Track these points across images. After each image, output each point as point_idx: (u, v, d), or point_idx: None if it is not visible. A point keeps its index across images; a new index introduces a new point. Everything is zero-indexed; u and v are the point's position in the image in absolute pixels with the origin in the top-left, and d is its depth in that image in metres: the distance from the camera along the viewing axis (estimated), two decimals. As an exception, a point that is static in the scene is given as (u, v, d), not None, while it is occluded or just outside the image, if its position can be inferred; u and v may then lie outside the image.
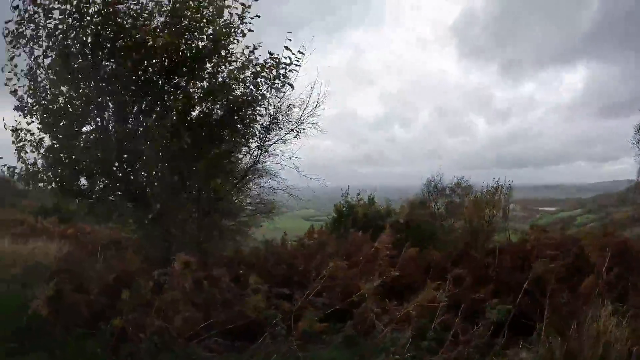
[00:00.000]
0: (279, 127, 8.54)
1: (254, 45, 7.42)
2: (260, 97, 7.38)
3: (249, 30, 7.20)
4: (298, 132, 8.70)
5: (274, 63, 7.23)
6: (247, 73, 7.23)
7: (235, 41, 7.21)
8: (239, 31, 7.18)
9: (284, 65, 7.29)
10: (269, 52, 7.26)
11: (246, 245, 11.57)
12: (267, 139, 8.70)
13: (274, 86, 7.41)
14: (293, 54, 7.27)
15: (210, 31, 6.90)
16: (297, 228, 14.55)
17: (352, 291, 6.10)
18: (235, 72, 7.19)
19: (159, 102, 6.86)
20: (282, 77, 7.34)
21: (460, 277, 6.34)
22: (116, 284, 5.75)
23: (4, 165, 7.25)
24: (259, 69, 7.19)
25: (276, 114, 8.46)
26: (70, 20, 6.43)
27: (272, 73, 7.26)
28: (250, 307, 5.67)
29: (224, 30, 6.92)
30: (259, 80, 7.22)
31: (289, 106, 8.46)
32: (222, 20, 7.06)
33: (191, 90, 7.05)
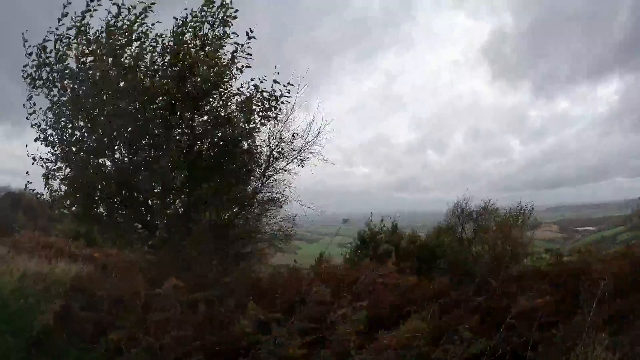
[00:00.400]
0: (284, 157, 9.26)
1: (260, 79, 8.36)
2: (251, 130, 8.21)
3: (246, 66, 8.12)
4: (302, 160, 9.35)
5: (265, 97, 8.08)
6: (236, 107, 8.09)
7: (234, 78, 8.13)
8: (236, 67, 8.11)
9: (275, 97, 8.14)
10: (254, 86, 8.15)
11: (265, 272, 12.37)
12: (270, 169, 9.39)
13: (265, 118, 8.25)
14: (284, 86, 8.12)
15: (203, 72, 7.84)
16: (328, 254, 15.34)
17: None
18: (242, 105, 8.09)
19: (161, 137, 7.84)
20: (273, 109, 8.17)
21: (448, 305, 6.67)
22: (118, 302, 6.65)
23: (33, 190, 8.55)
24: (248, 104, 8.05)
25: (279, 143, 9.21)
26: (79, 64, 7.62)
27: (264, 106, 8.11)
28: (238, 330, 6.33)
29: (213, 70, 7.85)
30: (248, 114, 8.06)
31: (293, 135, 9.18)
32: (216, 60, 7.98)
33: (195, 124, 8.02)
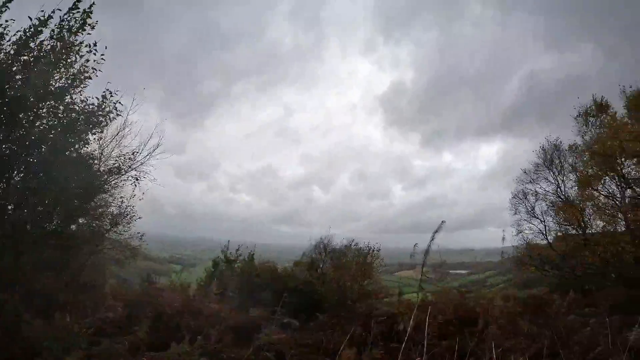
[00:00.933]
0: (119, 172, 10.31)
1: (111, 93, 9.43)
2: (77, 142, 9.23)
3: (88, 77, 9.16)
4: (137, 179, 10.48)
5: (92, 110, 9.14)
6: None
7: (77, 87, 9.10)
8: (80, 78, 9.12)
9: (102, 113, 9.25)
10: (84, 99, 9.18)
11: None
12: (106, 182, 10.40)
13: (92, 132, 9.34)
14: (113, 103, 9.32)
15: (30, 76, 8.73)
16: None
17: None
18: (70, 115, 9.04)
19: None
20: (99, 124, 9.27)
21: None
22: None
23: None
24: (75, 115, 9.07)
25: (118, 158, 10.29)
26: None
27: (91, 120, 9.13)
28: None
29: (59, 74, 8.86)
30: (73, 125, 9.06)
31: (133, 153, 10.30)
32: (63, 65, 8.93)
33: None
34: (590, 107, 15.29)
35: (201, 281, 15.69)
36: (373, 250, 16.35)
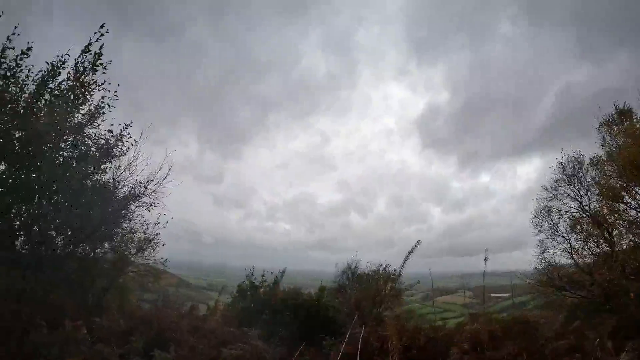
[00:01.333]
0: (134, 199, 11.72)
1: (124, 125, 11.00)
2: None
3: (103, 112, 10.80)
4: (151, 205, 11.85)
5: (101, 144, 10.64)
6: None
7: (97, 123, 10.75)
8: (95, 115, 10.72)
9: (109, 145, 10.74)
10: (98, 134, 10.72)
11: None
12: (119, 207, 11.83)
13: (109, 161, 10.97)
14: (118, 137, 10.83)
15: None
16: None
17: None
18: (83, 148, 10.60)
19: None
20: (107, 156, 10.78)
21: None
22: None
23: None
24: (91, 148, 10.60)
25: (134, 186, 11.71)
26: None
27: (107, 150, 10.63)
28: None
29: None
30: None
31: (148, 181, 11.67)
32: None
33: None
34: (612, 115, 14.89)
35: (228, 305, 16.69)
36: (392, 275, 16.34)
